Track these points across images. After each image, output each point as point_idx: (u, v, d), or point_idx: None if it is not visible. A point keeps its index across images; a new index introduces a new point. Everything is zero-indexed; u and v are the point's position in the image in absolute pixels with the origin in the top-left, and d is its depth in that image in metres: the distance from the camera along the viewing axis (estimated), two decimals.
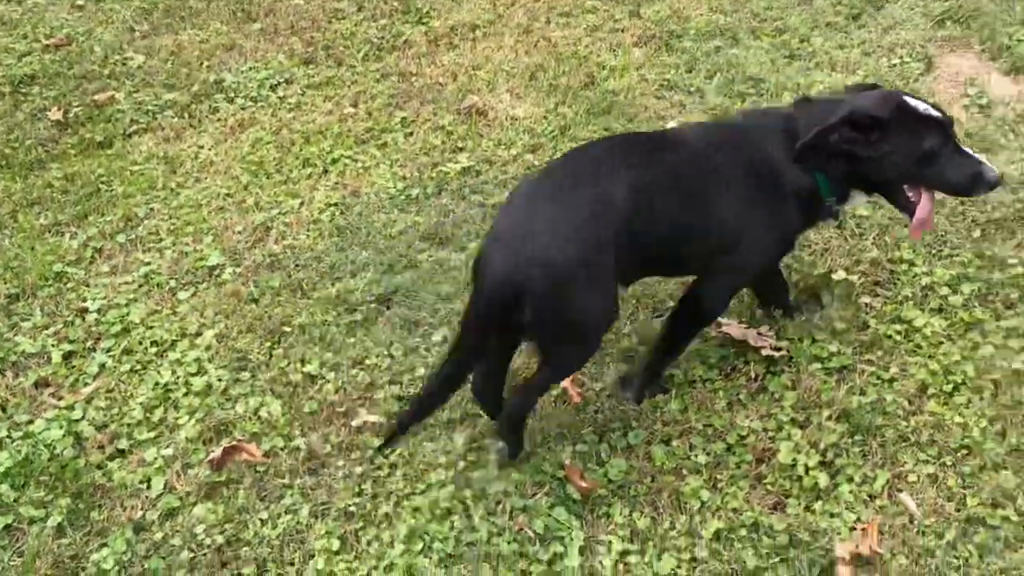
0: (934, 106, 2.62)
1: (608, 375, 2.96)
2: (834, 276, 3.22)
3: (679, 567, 2.47)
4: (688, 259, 2.73)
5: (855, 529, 2.50)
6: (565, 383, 2.91)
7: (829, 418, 2.78)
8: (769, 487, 2.64)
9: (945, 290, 3.14)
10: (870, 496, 2.60)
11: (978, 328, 3.01)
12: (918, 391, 2.85)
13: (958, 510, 2.54)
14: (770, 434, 2.77)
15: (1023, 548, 2.44)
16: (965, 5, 4.47)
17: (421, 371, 3.02)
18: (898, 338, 3.01)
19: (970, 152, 2.60)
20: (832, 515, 2.55)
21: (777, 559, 2.47)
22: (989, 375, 2.86)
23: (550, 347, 2.57)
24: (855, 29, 4.45)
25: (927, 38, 4.34)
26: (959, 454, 2.68)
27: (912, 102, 2.58)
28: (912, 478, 2.62)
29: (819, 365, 2.94)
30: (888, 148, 2.55)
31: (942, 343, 2.98)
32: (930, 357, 2.94)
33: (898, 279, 3.21)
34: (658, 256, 2.64)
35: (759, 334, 3.02)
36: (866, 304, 3.13)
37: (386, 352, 3.10)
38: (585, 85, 4.26)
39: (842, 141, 2.55)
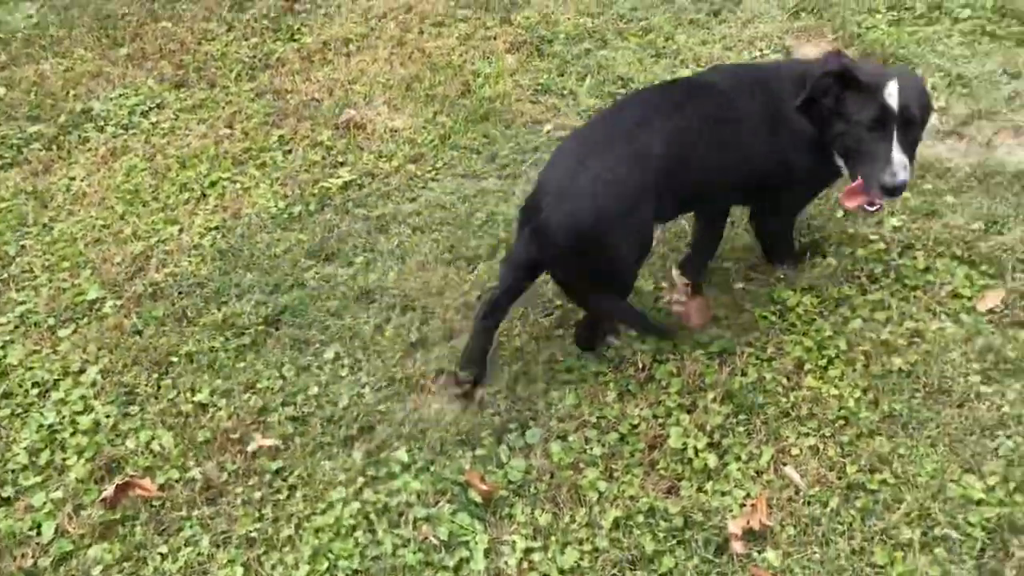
0: (919, 102, 2.73)
1: (503, 378, 3.01)
2: (711, 264, 3.35)
3: (582, 559, 2.53)
4: (723, 196, 3.09)
5: (745, 505, 2.61)
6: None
7: (714, 400, 2.89)
8: (663, 472, 2.73)
9: (814, 269, 3.30)
10: (757, 472, 2.71)
11: (847, 303, 3.18)
12: (795, 368, 2.99)
13: (839, 478, 2.68)
14: (660, 421, 2.86)
15: (900, 508, 2.59)
16: None
17: (315, 390, 3.02)
18: (773, 319, 3.15)
19: (897, 154, 2.69)
20: (723, 494, 2.66)
21: (674, 541, 2.56)
22: (860, 347, 3.02)
23: (592, 289, 2.86)
24: (716, 25, 4.63)
25: (784, 30, 4.55)
26: (837, 425, 2.82)
27: (889, 85, 2.69)
28: (795, 451, 2.75)
29: (702, 350, 3.06)
30: (841, 110, 2.78)
31: (814, 320, 3.13)
32: (804, 334, 3.08)
33: (769, 263, 3.35)
34: (695, 195, 2.96)
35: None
36: (742, 288, 3.27)
37: (278, 374, 3.08)
38: (462, 93, 4.31)
39: (820, 91, 2.79)
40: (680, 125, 2.81)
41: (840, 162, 2.92)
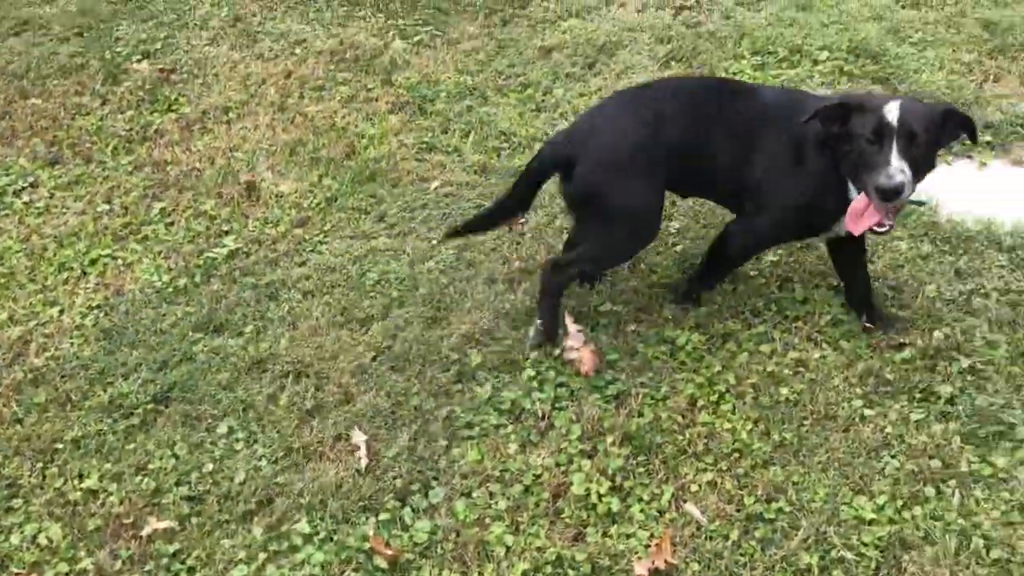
0: (923, 121, 2.82)
1: (400, 440, 2.98)
2: (602, 308, 3.42)
3: None
4: (721, 193, 3.32)
5: (650, 546, 2.64)
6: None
7: (613, 444, 2.93)
8: (568, 520, 2.75)
9: (701, 308, 3.40)
10: (660, 512, 2.75)
11: (732, 338, 3.28)
12: (689, 405, 3.06)
13: (738, 510, 2.74)
14: (563, 468, 2.88)
15: (797, 535, 2.66)
16: (684, 46, 4.90)
17: (210, 466, 2.93)
18: (665, 358, 3.23)
19: (895, 160, 2.78)
20: (628, 536, 2.69)
21: None
22: (748, 380, 3.12)
23: (587, 225, 3.21)
24: (591, 77, 4.77)
25: (656, 79, 4.71)
26: (732, 458, 2.89)
27: (889, 105, 2.82)
28: (694, 488, 2.81)
29: (598, 395, 3.10)
30: (847, 132, 2.89)
31: (703, 357, 3.22)
32: (695, 372, 3.17)
33: (658, 303, 3.44)
34: (705, 183, 3.27)
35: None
36: (633, 330, 3.34)
37: (170, 453, 2.99)
38: (347, 155, 4.31)
39: (827, 119, 2.92)
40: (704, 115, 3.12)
41: (853, 192, 2.98)
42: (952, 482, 2.78)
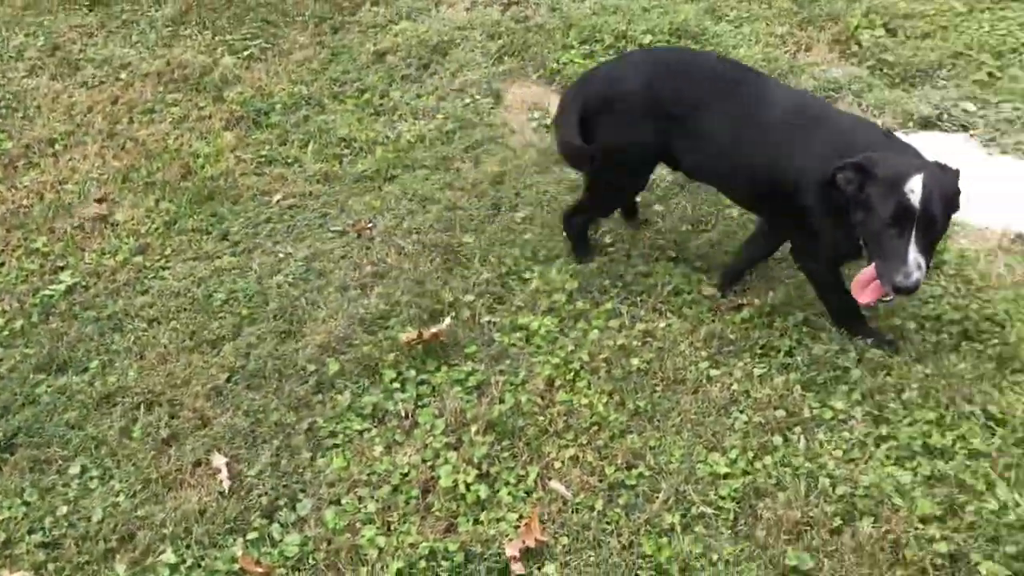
0: (944, 200, 2.69)
1: (263, 457, 2.94)
2: (460, 298, 3.45)
3: None
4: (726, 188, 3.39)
5: (519, 527, 2.69)
6: None
7: (477, 433, 2.97)
8: (438, 513, 2.77)
9: (556, 295, 3.47)
10: (527, 492, 2.81)
11: (583, 318, 3.37)
12: (547, 386, 3.13)
13: (601, 480, 2.83)
14: (429, 464, 2.91)
15: (659, 497, 2.76)
16: (515, 41, 4.99)
17: (64, 509, 2.82)
18: (521, 344, 3.29)
19: (913, 254, 2.67)
20: (498, 520, 2.73)
21: None
22: (600, 355, 3.21)
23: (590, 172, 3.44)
24: (427, 77, 4.80)
25: (491, 74, 4.79)
26: (591, 431, 2.98)
27: (912, 182, 2.67)
28: (558, 465, 2.88)
29: (459, 388, 3.14)
30: (862, 201, 2.77)
31: (557, 339, 3.30)
32: (550, 353, 3.24)
33: (511, 292, 3.51)
34: (707, 168, 3.31)
35: None
36: (488, 322, 3.39)
37: (19, 501, 2.86)
38: (183, 176, 4.21)
39: (844, 180, 2.80)
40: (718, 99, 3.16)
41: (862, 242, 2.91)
42: (797, 429, 2.94)
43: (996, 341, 3.18)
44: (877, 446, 2.88)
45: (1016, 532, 2.61)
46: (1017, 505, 2.68)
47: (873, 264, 2.84)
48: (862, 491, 2.74)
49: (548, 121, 4.43)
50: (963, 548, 2.58)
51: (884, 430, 2.92)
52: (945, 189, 2.73)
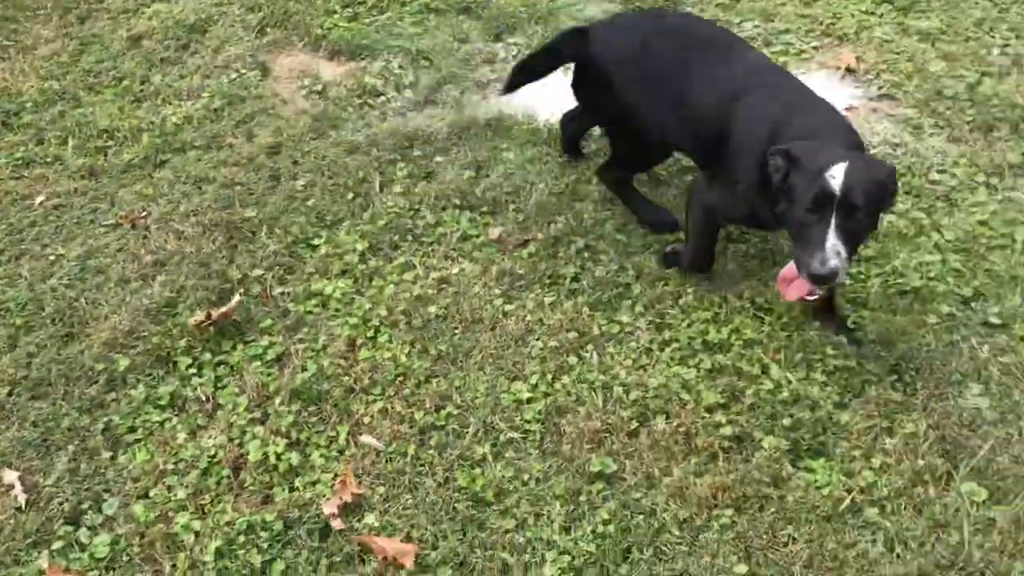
0: (867, 188, 2.60)
1: (59, 465, 2.81)
2: (249, 273, 3.39)
3: None
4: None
5: (334, 485, 2.71)
6: None
7: (282, 404, 2.95)
8: (252, 488, 2.74)
9: (347, 256, 3.47)
10: (339, 452, 2.83)
11: (378, 274, 3.40)
12: (348, 347, 3.14)
13: (411, 427, 2.88)
14: (237, 441, 2.87)
15: (468, 431, 2.85)
16: (275, 11, 4.88)
17: None
18: (317, 310, 3.28)
19: (832, 240, 2.58)
20: (313, 484, 2.74)
21: (280, 545, 2.59)
22: (399, 309, 3.25)
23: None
24: (188, 57, 4.63)
25: (255, 47, 4.67)
26: (398, 382, 3.02)
27: (834, 168, 2.58)
28: (367, 420, 2.91)
29: (259, 363, 3.10)
30: (786, 190, 2.69)
31: (354, 299, 3.31)
32: (348, 315, 3.25)
33: (301, 261, 3.48)
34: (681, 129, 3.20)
35: None
36: (281, 293, 3.36)
37: None
38: None
39: (773, 167, 2.72)
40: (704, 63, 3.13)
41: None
42: (589, 347, 3.10)
43: (757, 240, 3.45)
44: (662, 350, 3.08)
45: (790, 406, 2.88)
46: (789, 383, 2.95)
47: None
48: (652, 393, 2.92)
49: (318, 88, 4.39)
50: (746, 428, 2.82)
51: (667, 335, 3.12)
52: (872, 181, 2.63)
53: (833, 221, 2.60)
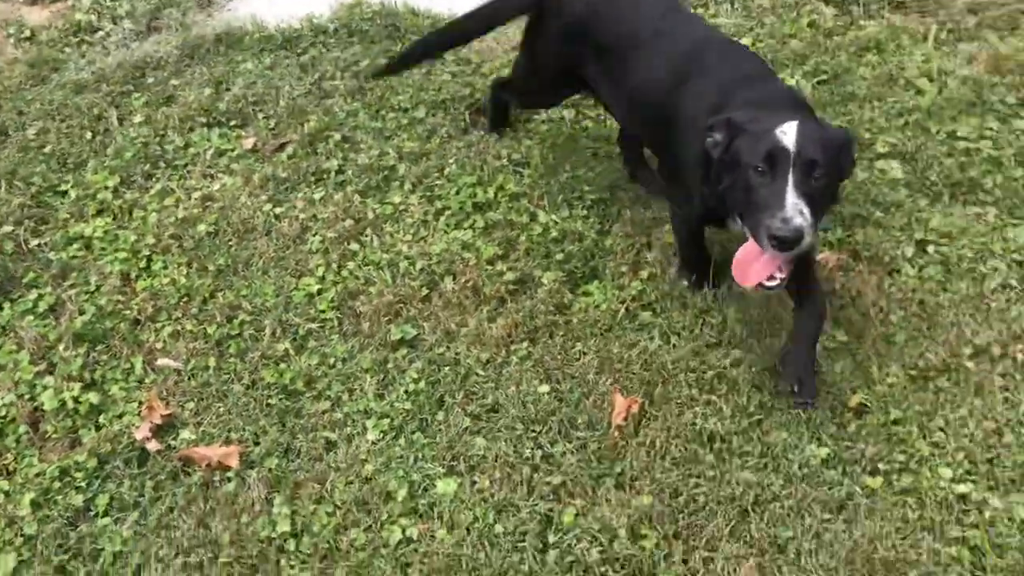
0: (823, 145, 2.31)
1: None
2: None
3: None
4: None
5: (141, 412, 2.68)
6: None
7: (67, 349, 2.86)
8: (56, 436, 2.65)
9: (100, 194, 3.34)
10: (139, 381, 2.78)
11: (136, 206, 3.31)
12: (123, 281, 3.07)
13: (207, 341, 2.87)
14: (28, 396, 2.75)
15: (265, 332, 2.88)
16: None
17: None
18: (82, 254, 3.17)
19: (791, 198, 2.25)
20: (120, 416, 2.69)
21: (99, 480, 2.53)
22: (167, 233, 3.19)
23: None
24: None
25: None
26: (183, 303, 2.99)
27: (785, 125, 2.30)
28: (160, 345, 2.87)
29: (31, 316, 2.98)
30: (728, 160, 2.39)
31: (118, 235, 3.22)
32: (116, 251, 3.16)
33: (52, 209, 3.33)
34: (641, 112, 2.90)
35: None
36: (38, 245, 3.21)
37: None
38: None
39: (712, 143, 2.43)
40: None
41: (740, 222, 2.48)
42: (368, 231, 3.19)
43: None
44: (437, 219, 3.22)
45: (560, 243, 3.11)
46: (556, 223, 3.17)
47: (751, 239, 2.40)
48: (436, 259, 3.07)
49: (26, 34, 4.11)
50: (526, 270, 3.02)
51: (438, 204, 3.26)
52: (828, 139, 2.38)
53: (790, 178, 2.28)
